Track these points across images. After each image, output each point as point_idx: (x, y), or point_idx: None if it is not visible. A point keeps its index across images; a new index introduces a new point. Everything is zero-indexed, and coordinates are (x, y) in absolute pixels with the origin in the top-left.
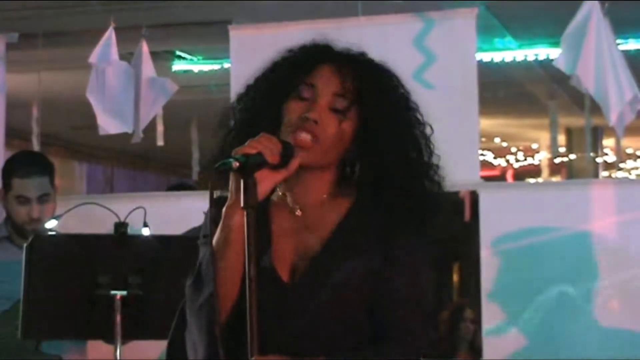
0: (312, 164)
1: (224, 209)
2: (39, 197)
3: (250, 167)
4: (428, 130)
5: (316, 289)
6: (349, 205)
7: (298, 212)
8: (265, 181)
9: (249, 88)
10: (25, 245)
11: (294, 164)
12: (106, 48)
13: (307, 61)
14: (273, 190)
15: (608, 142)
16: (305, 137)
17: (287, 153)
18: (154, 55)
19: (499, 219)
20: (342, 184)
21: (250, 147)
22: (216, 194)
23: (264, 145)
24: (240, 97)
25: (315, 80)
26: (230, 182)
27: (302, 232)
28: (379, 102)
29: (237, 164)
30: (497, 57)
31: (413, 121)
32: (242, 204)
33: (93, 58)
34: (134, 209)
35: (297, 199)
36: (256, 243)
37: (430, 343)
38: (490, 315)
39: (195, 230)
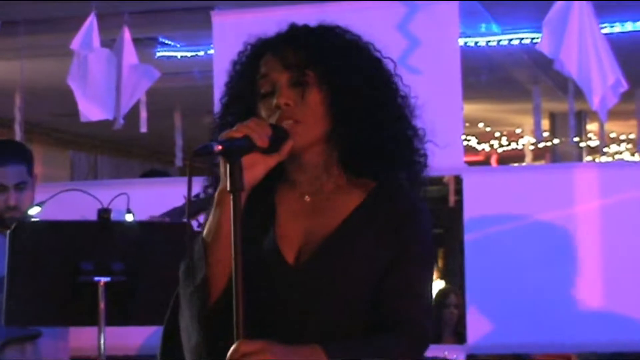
0: (305, 144)
1: (216, 192)
2: (16, 184)
3: (236, 151)
4: (402, 92)
5: (321, 272)
6: (365, 195)
7: (307, 198)
8: (258, 165)
9: (226, 88)
10: (8, 232)
11: (286, 147)
12: (88, 35)
13: (253, 58)
14: (279, 176)
15: (592, 127)
16: (287, 123)
17: (278, 137)
18: (137, 42)
19: (483, 203)
20: (353, 171)
21: (237, 131)
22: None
23: (252, 129)
24: (222, 97)
25: (264, 70)
26: (221, 167)
27: (311, 216)
28: (328, 63)
29: (220, 147)
30: (480, 42)
31: (377, 83)
32: (228, 188)
33: (75, 45)
34: (117, 196)
35: (306, 185)
36: (257, 226)
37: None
38: (474, 300)
39: (176, 210)
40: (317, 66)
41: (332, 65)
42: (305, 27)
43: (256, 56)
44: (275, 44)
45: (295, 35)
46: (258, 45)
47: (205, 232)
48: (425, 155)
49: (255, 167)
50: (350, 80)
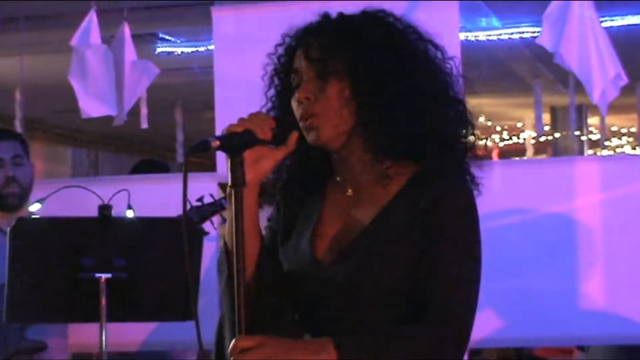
0: (331, 137)
1: (227, 189)
2: (12, 157)
3: (237, 145)
4: (439, 77)
5: (351, 266)
6: (405, 181)
7: (349, 192)
8: (265, 159)
9: (267, 85)
10: (9, 229)
11: (292, 139)
12: (87, 31)
13: (286, 55)
14: (329, 172)
15: (593, 120)
16: (307, 122)
17: (281, 129)
18: (137, 38)
19: (483, 197)
20: (392, 157)
21: (238, 126)
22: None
23: (253, 122)
24: (265, 93)
25: (295, 65)
26: (226, 163)
27: (351, 211)
28: (354, 52)
29: (217, 142)
30: (481, 36)
31: (408, 67)
32: (230, 183)
33: (74, 41)
34: (118, 192)
35: (349, 179)
36: (305, 222)
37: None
38: None
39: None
40: (339, 57)
41: (354, 55)
42: (337, 16)
43: (290, 49)
44: (303, 35)
45: (322, 25)
46: (291, 38)
47: (226, 231)
48: (469, 138)
49: (263, 161)
50: (374, 70)
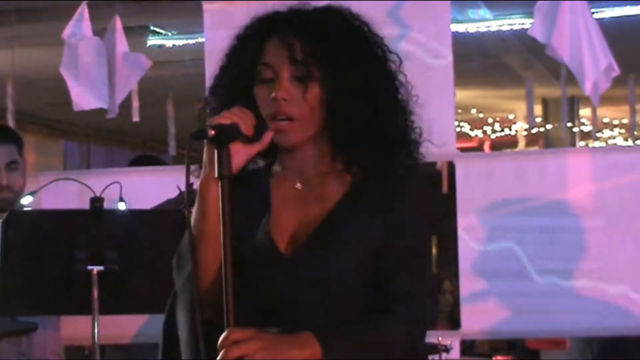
0: (300, 140)
1: (199, 183)
2: (7, 164)
3: (225, 137)
4: (402, 81)
5: (315, 261)
6: (355, 180)
7: (298, 186)
8: (240, 154)
9: (221, 69)
10: (0, 221)
11: (267, 137)
12: (79, 24)
13: (256, 39)
14: (271, 164)
15: (585, 112)
16: (282, 124)
17: (260, 126)
18: (128, 30)
19: (476, 190)
20: (344, 159)
21: (225, 118)
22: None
23: (239, 117)
24: (215, 80)
25: (269, 58)
26: (204, 154)
27: (303, 204)
28: (334, 59)
29: (213, 132)
30: (471, 28)
31: (378, 81)
32: (216, 174)
33: (66, 34)
34: (110, 184)
35: (296, 172)
36: (251, 215)
37: (431, 317)
38: (468, 286)
39: (170, 202)
40: (323, 63)
41: (338, 64)
42: (315, 13)
43: (260, 37)
44: (283, 29)
45: (305, 23)
46: (263, 25)
47: (192, 223)
48: (419, 146)
49: (237, 156)
50: (353, 80)
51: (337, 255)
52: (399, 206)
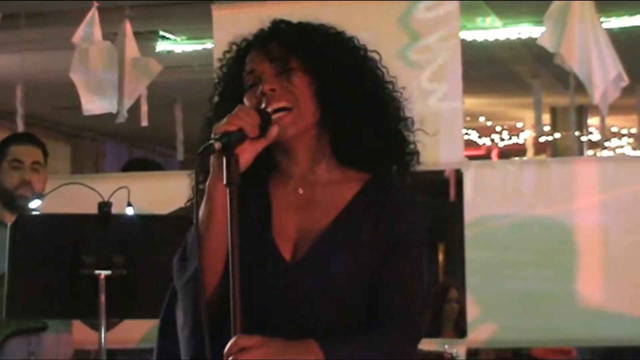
0: (300, 130)
1: (206, 184)
2: (32, 163)
3: (232, 145)
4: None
5: (317, 268)
6: (359, 188)
7: (300, 191)
8: (246, 152)
9: (215, 87)
10: (9, 224)
11: (273, 132)
12: (89, 28)
13: (238, 57)
14: (271, 165)
15: (593, 121)
16: (278, 116)
17: (264, 123)
18: (137, 35)
19: (483, 198)
20: (345, 162)
21: (230, 124)
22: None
23: (244, 120)
24: (215, 88)
25: (250, 66)
26: (211, 160)
27: (306, 210)
28: (312, 49)
29: (219, 144)
30: (480, 36)
31: (361, 73)
32: (224, 182)
33: (76, 38)
34: (118, 189)
35: (299, 177)
36: (253, 220)
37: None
38: (475, 295)
39: (181, 210)
40: (301, 55)
41: (316, 53)
42: (289, 22)
43: (242, 55)
44: (259, 40)
45: (278, 29)
46: (243, 44)
47: (199, 222)
48: (414, 146)
49: (244, 154)
50: (334, 69)
51: (339, 264)
52: (399, 221)
